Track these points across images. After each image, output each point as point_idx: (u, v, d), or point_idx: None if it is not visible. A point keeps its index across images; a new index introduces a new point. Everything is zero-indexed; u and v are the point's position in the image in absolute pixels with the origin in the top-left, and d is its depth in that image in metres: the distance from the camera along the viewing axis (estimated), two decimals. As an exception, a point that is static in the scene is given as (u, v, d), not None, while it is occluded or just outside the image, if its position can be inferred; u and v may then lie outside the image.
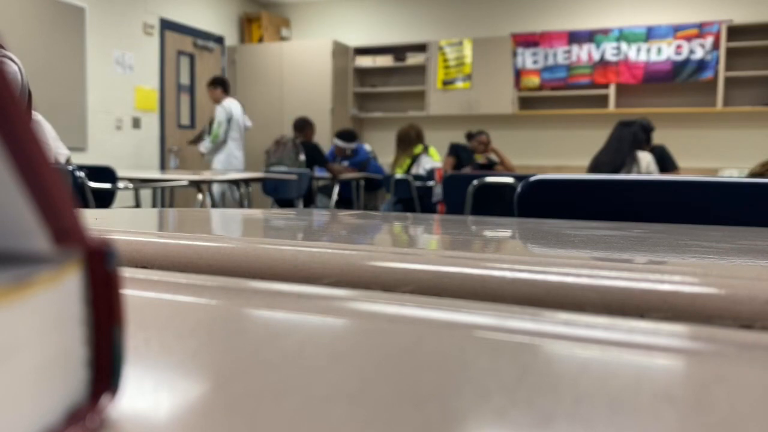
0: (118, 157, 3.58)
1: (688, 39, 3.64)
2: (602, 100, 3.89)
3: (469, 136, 3.35)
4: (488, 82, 4.10)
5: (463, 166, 3.22)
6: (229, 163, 3.29)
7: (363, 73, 4.50)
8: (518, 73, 4.01)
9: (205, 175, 2.31)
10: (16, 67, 0.65)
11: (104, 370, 0.09)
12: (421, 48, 4.25)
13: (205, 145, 3.29)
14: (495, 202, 1.49)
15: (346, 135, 3.33)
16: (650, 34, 3.72)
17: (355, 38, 4.44)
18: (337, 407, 0.10)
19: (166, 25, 3.96)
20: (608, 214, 0.61)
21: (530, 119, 4.13)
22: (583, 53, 3.86)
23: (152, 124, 3.91)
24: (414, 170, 2.95)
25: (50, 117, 2.37)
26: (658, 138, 2.40)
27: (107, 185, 1.90)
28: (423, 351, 0.13)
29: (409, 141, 3.00)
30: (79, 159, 2.85)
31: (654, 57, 3.71)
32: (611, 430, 0.09)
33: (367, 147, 3.56)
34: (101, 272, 0.09)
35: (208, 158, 3.36)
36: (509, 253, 0.32)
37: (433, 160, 3.04)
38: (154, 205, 3.23)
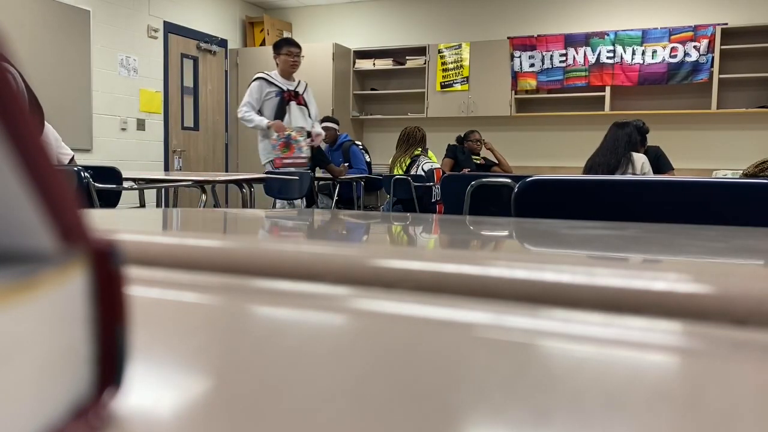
0: (123, 158, 3.60)
1: (683, 42, 3.66)
2: (598, 102, 3.92)
3: (461, 140, 3.39)
4: (486, 85, 4.12)
5: (460, 168, 3.24)
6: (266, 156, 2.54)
7: (363, 76, 4.52)
8: (515, 76, 4.03)
9: (208, 176, 2.32)
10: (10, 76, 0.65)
11: (108, 367, 0.09)
12: (420, 51, 4.27)
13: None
14: (492, 203, 1.50)
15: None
16: (645, 37, 3.75)
17: (355, 41, 4.46)
18: (338, 403, 0.10)
19: (170, 29, 3.97)
20: (604, 214, 0.62)
21: (527, 121, 4.14)
22: (579, 56, 3.89)
23: (157, 125, 3.92)
24: (413, 171, 2.97)
25: (56, 119, 2.35)
26: (653, 139, 2.41)
27: (112, 186, 1.90)
28: (422, 348, 0.13)
29: (415, 141, 3.02)
30: (84, 160, 2.85)
31: (649, 59, 3.74)
32: (607, 427, 0.10)
33: (358, 143, 3.60)
34: (106, 271, 0.09)
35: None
36: (507, 251, 0.32)
37: (431, 161, 3.06)
38: (158, 205, 3.21)
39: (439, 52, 4.21)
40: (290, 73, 2.51)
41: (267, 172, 2.93)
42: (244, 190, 2.22)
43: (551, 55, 3.95)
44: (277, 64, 2.53)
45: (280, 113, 2.46)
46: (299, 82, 2.56)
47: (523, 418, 0.10)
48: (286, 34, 4.70)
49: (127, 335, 0.09)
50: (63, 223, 0.09)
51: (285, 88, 2.48)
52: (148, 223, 0.40)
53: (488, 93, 4.11)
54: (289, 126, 2.45)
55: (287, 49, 2.48)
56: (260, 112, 2.48)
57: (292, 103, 2.48)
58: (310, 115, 2.54)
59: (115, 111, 3.62)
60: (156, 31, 3.87)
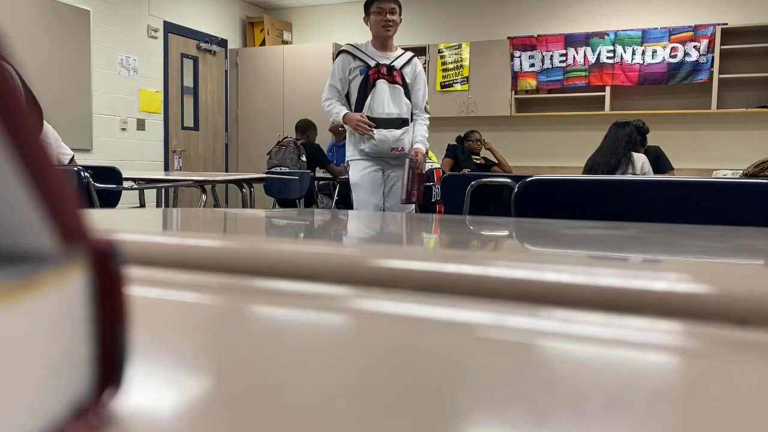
0: (123, 158, 3.60)
1: (683, 42, 3.67)
2: (598, 102, 3.92)
3: (461, 140, 3.40)
4: (486, 85, 4.12)
5: (460, 168, 3.25)
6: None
7: (362, 75, 4.51)
8: (515, 76, 4.03)
9: (208, 176, 2.33)
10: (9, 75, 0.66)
11: (108, 367, 0.09)
12: (420, 51, 4.27)
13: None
14: (492, 202, 1.50)
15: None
16: (645, 37, 3.76)
17: (355, 41, 4.46)
18: (338, 403, 0.10)
19: (170, 29, 3.98)
20: (604, 214, 0.62)
21: (527, 121, 4.15)
22: (579, 56, 3.89)
23: (157, 125, 3.92)
24: None
25: (56, 119, 2.35)
26: (653, 139, 2.41)
27: (112, 186, 1.90)
28: (422, 348, 0.13)
29: None
30: (84, 160, 2.85)
31: (649, 59, 3.75)
32: (607, 427, 0.10)
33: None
34: (106, 271, 0.09)
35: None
36: (507, 251, 0.32)
37: (431, 161, 3.06)
38: (158, 205, 3.21)
39: (439, 52, 4.21)
40: (385, 38, 1.75)
41: (268, 173, 2.91)
42: (244, 190, 2.22)
43: (551, 55, 3.95)
44: (370, 30, 1.78)
45: (361, 97, 1.71)
46: (402, 53, 1.80)
47: (523, 418, 0.10)
48: (286, 35, 4.70)
49: (127, 335, 0.09)
50: (63, 223, 0.09)
51: (373, 62, 1.71)
52: (148, 223, 0.40)
53: (488, 93, 4.11)
54: (369, 114, 1.69)
55: (376, 6, 1.72)
56: (348, 96, 1.77)
57: (380, 82, 1.69)
58: (408, 96, 1.73)
59: (115, 111, 3.63)
60: (156, 31, 3.88)
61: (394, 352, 0.13)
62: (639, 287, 0.17)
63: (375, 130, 1.71)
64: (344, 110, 1.76)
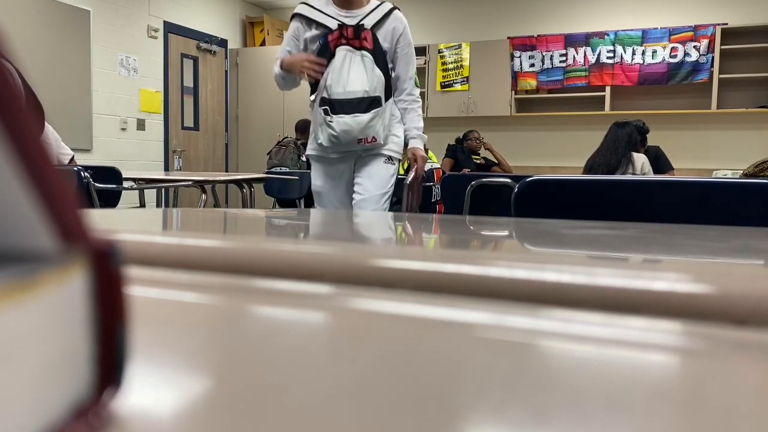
0: (123, 158, 3.61)
1: (683, 42, 3.67)
2: (598, 102, 3.92)
3: (460, 141, 3.42)
4: (486, 85, 4.12)
5: (460, 167, 3.26)
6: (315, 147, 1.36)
7: (361, 75, 4.52)
8: (515, 76, 4.04)
9: (208, 176, 2.33)
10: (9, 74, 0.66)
11: (108, 367, 0.09)
12: (420, 51, 4.27)
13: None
14: (492, 202, 1.50)
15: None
16: (645, 37, 3.76)
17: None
18: (338, 403, 0.10)
19: (170, 29, 3.99)
20: (604, 214, 0.62)
21: (527, 121, 4.15)
22: (579, 56, 3.90)
23: (157, 125, 3.93)
24: None
25: (56, 119, 2.36)
26: (653, 139, 2.42)
27: (112, 186, 1.90)
28: (422, 348, 0.13)
29: None
30: (84, 160, 2.86)
31: (649, 59, 3.75)
32: (607, 427, 0.10)
33: None
34: (106, 271, 0.09)
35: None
36: (507, 251, 0.32)
37: (431, 161, 3.07)
38: (158, 205, 3.22)
39: (439, 52, 4.21)
40: None
41: (268, 173, 2.90)
42: (244, 190, 2.23)
43: (551, 55, 3.96)
44: None
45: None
46: (376, 6, 1.30)
47: (523, 418, 0.10)
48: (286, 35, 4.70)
49: (127, 335, 0.09)
50: (63, 223, 0.09)
51: (335, 24, 1.25)
52: (148, 223, 0.40)
53: (488, 93, 4.12)
54: (327, 96, 1.24)
55: None
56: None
57: (341, 49, 1.24)
58: (382, 66, 1.26)
59: (115, 111, 3.63)
60: (156, 31, 3.89)
61: (394, 352, 0.13)
62: (639, 287, 0.17)
63: (333, 117, 1.23)
64: (278, 65, 1.27)
